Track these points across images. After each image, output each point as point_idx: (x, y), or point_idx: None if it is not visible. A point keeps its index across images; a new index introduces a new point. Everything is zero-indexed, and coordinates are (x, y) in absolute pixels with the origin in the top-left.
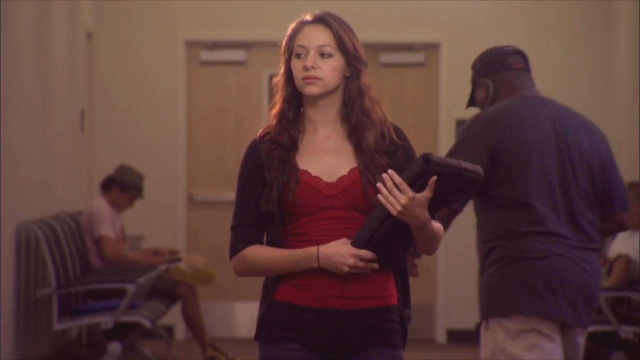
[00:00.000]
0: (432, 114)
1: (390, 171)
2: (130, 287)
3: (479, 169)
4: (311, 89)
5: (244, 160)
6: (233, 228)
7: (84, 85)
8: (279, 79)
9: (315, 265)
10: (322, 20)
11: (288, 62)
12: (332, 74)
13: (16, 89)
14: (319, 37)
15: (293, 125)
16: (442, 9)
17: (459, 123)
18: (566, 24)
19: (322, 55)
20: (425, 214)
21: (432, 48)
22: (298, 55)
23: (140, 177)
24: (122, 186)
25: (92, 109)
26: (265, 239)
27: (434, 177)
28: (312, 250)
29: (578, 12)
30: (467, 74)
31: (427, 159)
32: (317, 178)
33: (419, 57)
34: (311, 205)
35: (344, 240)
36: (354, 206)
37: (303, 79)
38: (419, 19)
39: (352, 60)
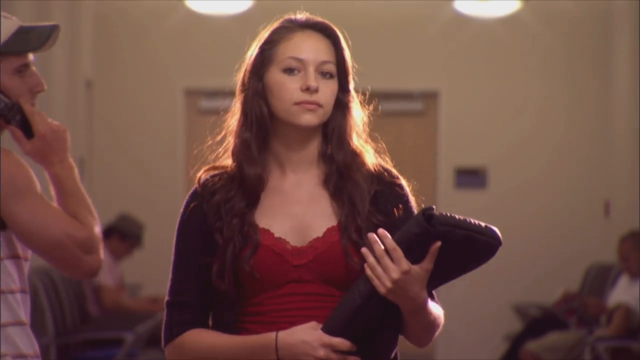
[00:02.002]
0: (431, 163)
1: (381, 231)
2: (128, 336)
3: (496, 231)
4: (310, 119)
5: (181, 216)
6: (168, 305)
7: (84, 133)
8: (239, 98)
9: (273, 357)
10: (324, 29)
11: (260, 76)
12: (332, 101)
13: None
14: (321, 50)
15: (259, 164)
16: (441, 57)
17: (459, 172)
18: (565, 71)
19: (322, 74)
20: (423, 294)
21: (430, 96)
22: (290, 71)
23: (140, 226)
24: (123, 235)
25: (92, 157)
26: (213, 318)
27: (438, 243)
28: (269, 337)
29: (577, 59)
30: (467, 122)
31: (429, 215)
32: (281, 241)
33: (417, 106)
34: (273, 279)
35: (313, 324)
36: (330, 280)
37: (299, 103)
38: (417, 67)
39: (348, 86)
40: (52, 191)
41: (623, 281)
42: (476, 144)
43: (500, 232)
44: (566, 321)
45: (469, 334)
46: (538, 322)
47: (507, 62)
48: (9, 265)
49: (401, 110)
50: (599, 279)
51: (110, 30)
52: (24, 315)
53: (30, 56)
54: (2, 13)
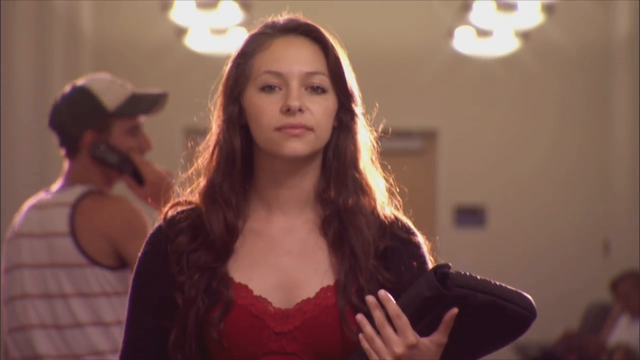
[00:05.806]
0: (430, 201)
1: (382, 293)
2: None
3: (530, 300)
4: (295, 147)
5: (140, 260)
6: None
7: None
8: (216, 128)
9: None
10: (309, 32)
11: (234, 98)
12: (326, 122)
13: (15, 182)
14: (307, 59)
15: (235, 205)
16: (440, 96)
17: (458, 210)
18: (565, 111)
19: (312, 89)
20: None
21: (429, 135)
22: (269, 88)
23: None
24: None
25: None
26: None
27: (455, 310)
28: None
29: (577, 98)
30: (465, 161)
31: (443, 274)
32: (261, 300)
33: (416, 144)
34: (247, 348)
35: None
36: (320, 354)
37: (280, 128)
38: (416, 106)
39: (349, 102)
40: None
41: (623, 321)
42: (475, 183)
43: (499, 270)
44: None
45: None
46: None
47: (506, 101)
48: (125, 300)
49: (399, 149)
50: (599, 318)
51: (108, 69)
52: None
53: (142, 119)
54: (118, 81)
